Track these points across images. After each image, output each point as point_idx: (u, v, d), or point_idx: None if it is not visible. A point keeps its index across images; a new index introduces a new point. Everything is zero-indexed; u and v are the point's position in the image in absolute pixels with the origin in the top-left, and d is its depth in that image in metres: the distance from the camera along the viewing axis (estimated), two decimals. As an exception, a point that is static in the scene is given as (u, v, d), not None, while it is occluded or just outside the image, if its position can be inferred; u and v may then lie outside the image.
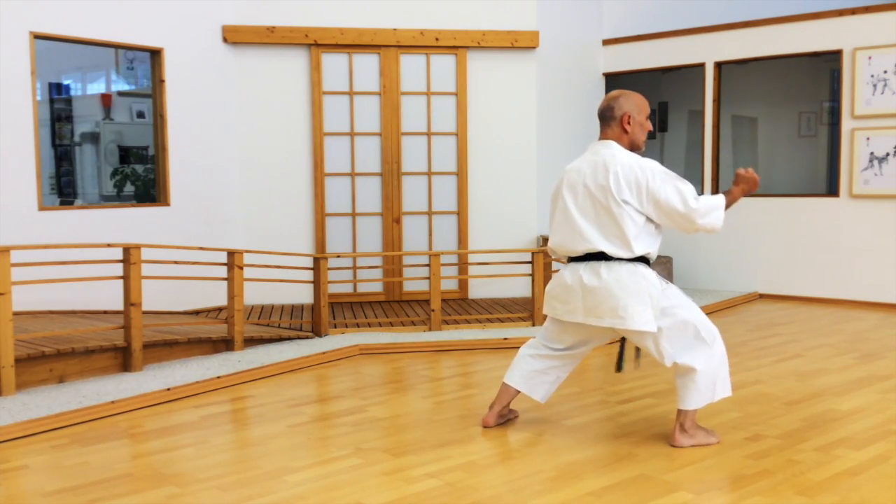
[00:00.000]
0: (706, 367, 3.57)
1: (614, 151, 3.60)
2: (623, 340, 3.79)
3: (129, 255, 5.02)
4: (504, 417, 4.01)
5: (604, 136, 3.69)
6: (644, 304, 3.50)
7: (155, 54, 6.76)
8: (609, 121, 3.68)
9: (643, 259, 3.59)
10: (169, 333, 5.44)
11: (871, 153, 7.25)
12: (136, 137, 8.37)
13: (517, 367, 3.93)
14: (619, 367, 3.82)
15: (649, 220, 3.57)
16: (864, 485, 3.15)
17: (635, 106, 3.68)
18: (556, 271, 3.85)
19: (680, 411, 3.65)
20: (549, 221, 3.80)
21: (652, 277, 3.55)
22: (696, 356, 3.57)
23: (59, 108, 8.33)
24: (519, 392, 3.93)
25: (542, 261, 6.41)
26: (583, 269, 3.62)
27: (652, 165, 3.55)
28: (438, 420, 4.09)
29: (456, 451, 3.60)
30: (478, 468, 3.39)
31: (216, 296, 6.53)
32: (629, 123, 3.65)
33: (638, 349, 3.76)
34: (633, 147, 3.68)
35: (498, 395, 3.97)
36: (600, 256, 3.57)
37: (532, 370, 3.90)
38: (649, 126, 3.72)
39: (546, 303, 3.82)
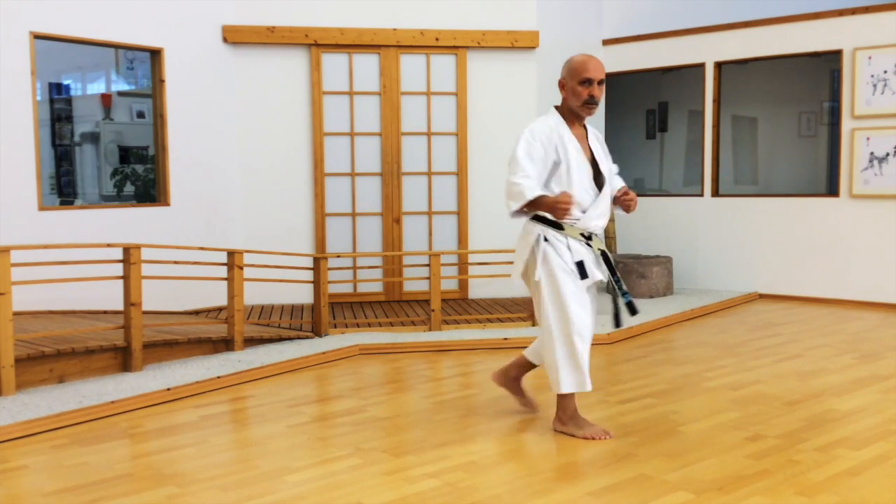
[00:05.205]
0: (547, 358, 3.71)
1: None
2: (613, 295, 3.78)
3: (129, 255, 5.02)
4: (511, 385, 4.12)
5: None
6: (518, 258, 3.73)
7: (155, 54, 6.76)
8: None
9: (535, 215, 3.70)
10: (169, 333, 5.43)
11: (871, 153, 7.25)
12: (136, 137, 8.36)
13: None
14: (616, 323, 3.82)
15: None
16: (864, 485, 3.15)
17: (567, 71, 3.83)
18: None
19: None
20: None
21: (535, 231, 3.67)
22: (544, 343, 3.73)
23: (59, 108, 8.32)
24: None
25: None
26: None
27: (522, 132, 3.71)
28: (438, 420, 4.09)
29: (456, 451, 3.60)
30: (478, 468, 3.39)
31: (216, 296, 6.53)
32: (563, 88, 3.81)
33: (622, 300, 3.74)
34: (569, 112, 3.85)
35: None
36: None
37: None
38: (583, 92, 3.78)
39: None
